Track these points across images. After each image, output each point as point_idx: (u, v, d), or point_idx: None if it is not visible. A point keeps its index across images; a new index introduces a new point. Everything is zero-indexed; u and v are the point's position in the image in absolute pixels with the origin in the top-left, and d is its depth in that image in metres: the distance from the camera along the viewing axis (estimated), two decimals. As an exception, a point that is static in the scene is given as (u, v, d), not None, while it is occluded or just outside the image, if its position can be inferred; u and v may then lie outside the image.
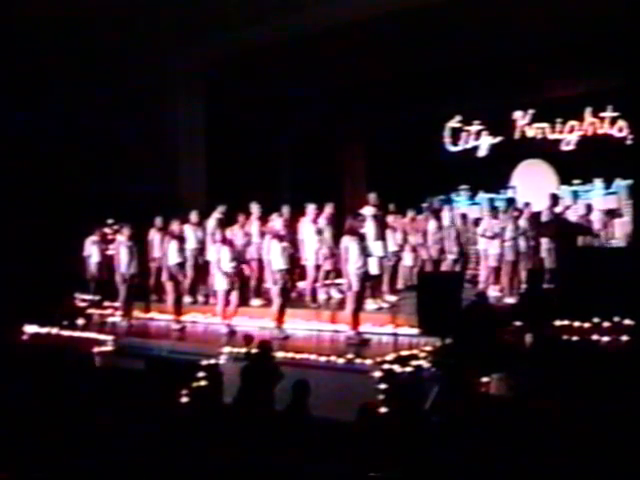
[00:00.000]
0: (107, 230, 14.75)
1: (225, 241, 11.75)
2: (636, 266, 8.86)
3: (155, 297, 13.68)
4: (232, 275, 11.57)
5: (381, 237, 11.83)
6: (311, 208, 12.29)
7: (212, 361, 10.01)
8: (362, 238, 10.51)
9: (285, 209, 12.52)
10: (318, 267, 12.35)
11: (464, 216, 14.84)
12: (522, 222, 12.91)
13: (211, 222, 12.92)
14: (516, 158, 19.13)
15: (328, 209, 12.58)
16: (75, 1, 14.67)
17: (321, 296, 12.42)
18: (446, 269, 13.31)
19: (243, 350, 9.37)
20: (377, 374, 8.77)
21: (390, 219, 13.00)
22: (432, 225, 13.53)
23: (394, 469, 6.53)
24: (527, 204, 13.55)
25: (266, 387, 8.14)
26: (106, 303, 13.99)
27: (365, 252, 10.41)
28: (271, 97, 17.56)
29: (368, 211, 11.90)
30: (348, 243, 10.29)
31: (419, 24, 13.86)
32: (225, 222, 12.80)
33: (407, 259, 13.43)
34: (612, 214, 14.34)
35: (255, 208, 12.85)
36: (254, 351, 8.82)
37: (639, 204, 8.91)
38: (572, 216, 13.90)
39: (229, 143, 17.23)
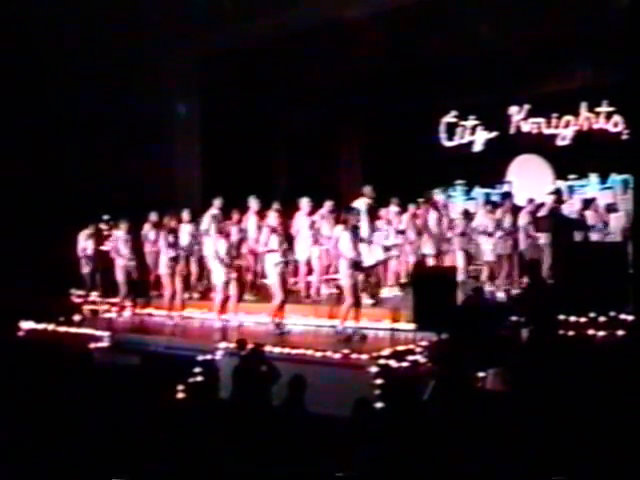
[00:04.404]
0: (102, 226, 14.72)
1: (221, 233, 11.74)
2: (636, 261, 8.86)
3: (155, 293, 13.65)
4: (230, 267, 11.56)
5: (373, 230, 11.86)
6: (305, 202, 12.29)
7: (208, 356, 10.02)
8: (355, 229, 10.50)
9: (276, 204, 12.51)
10: (307, 262, 12.38)
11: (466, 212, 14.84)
12: (521, 217, 12.93)
13: (207, 217, 12.90)
14: (512, 153, 19.11)
15: (327, 207, 12.56)
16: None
17: (323, 291, 12.44)
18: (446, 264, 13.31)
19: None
20: (373, 369, 8.78)
21: (392, 213, 13.04)
22: (432, 219, 13.52)
23: (389, 464, 6.54)
24: (531, 200, 13.59)
25: (260, 387, 8.14)
26: (102, 299, 13.98)
27: (358, 244, 10.41)
28: (267, 91, 17.52)
29: (361, 204, 11.90)
30: (340, 234, 10.30)
31: (415, 19, 13.87)
32: (221, 217, 12.79)
33: (407, 254, 13.39)
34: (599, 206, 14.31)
35: (253, 202, 12.81)
36: (244, 354, 8.82)
37: (639, 200, 8.90)
38: (568, 210, 13.90)
39: (224, 138, 17.20)
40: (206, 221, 12.84)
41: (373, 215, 12.09)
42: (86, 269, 14.03)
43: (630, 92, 8.95)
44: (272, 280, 11.06)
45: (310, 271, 12.55)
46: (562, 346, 8.90)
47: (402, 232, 13.15)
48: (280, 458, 6.83)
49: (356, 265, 10.29)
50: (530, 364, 8.48)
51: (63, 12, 14.72)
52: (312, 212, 12.44)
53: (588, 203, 14.10)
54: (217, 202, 13.02)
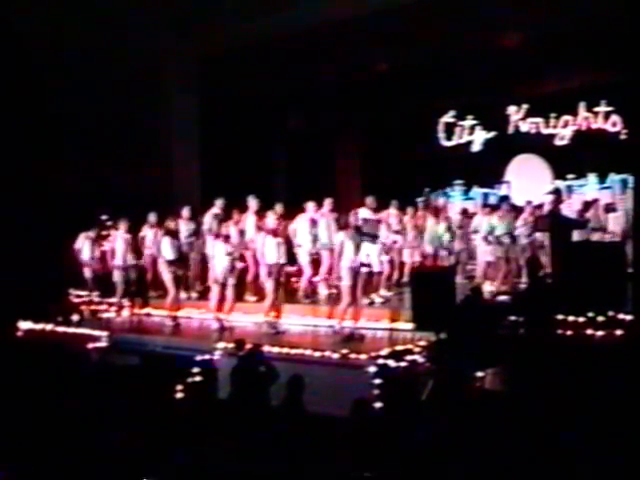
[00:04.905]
0: (102, 227, 14.68)
1: (220, 236, 11.72)
2: (635, 260, 8.87)
3: (154, 293, 13.62)
4: (228, 270, 11.55)
5: (375, 236, 11.86)
6: (310, 205, 12.28)
7: (207, 357, 10.02)
8: (358, 234, 10.51)
9: (279, 206, 12.50)
10: (310, 264, 12.37)
11: (465, 211, 14.90)
12: (520, 219, 12.96)
13: (208, 216, 12.85)
14: (510, 153, 19.16)
15: (327, 205, 12.55)
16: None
17: (321, 291, 12.44)
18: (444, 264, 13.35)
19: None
20: (372, 369, 8.78)
21: (391, 215, 13.05)
22: (430, 220, 13.56)
23: (389, 465, 6.54)
24: (529, 202, 13.63)
25: (259, 387, 8.13)
26: (101, 299, 13.96)
27: (360, 248, 10.41)
28: (267, 91, 17.52)
29: (363, 213, 11.91)
30: (344, 238, 10.31)
31: (414, 19, 13.87)
32: (223, 217, 12.76)
33: (406, 255, 13.39)
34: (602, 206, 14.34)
35: (253, 202, 12.76)
36: (242, 354, 8.82)
37: (638, 199, 8.91)
38: (567, 210, 13.92)
39: (223, 140, 17.20)
40: (208, 220, 12.78)
41: (374, 225, 12.07)
42: (86, 270, 13.99)
43: (629, 92, 8.96)
44: (266, 279, 11.05)
45: (309, 271, 12.54)
46: (558, 345, 8.91)
47: (398, 232, 13.15)
48: (279, 458, 6.83)
49: (356, 268, 10.29)
50: (528, 364, 8.48)
51: (63, 12, 14.73)
52: (316, 214, 12.39)
53: (589, 205, 14.12)
54: (219, 202, 12.95)
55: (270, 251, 11.00)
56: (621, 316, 9.20)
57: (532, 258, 12.77)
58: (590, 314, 9.31)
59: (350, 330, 10.24)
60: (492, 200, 17.80)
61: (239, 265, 12.14)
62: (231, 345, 9.69)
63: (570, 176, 17.73)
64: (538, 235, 12.93)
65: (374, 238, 11.63)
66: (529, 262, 12.53)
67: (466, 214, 14.60)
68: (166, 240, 12.27)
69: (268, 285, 11.04)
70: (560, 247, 11.09)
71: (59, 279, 14.10)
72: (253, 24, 14.78)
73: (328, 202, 12.57)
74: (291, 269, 12.81)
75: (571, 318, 9.38)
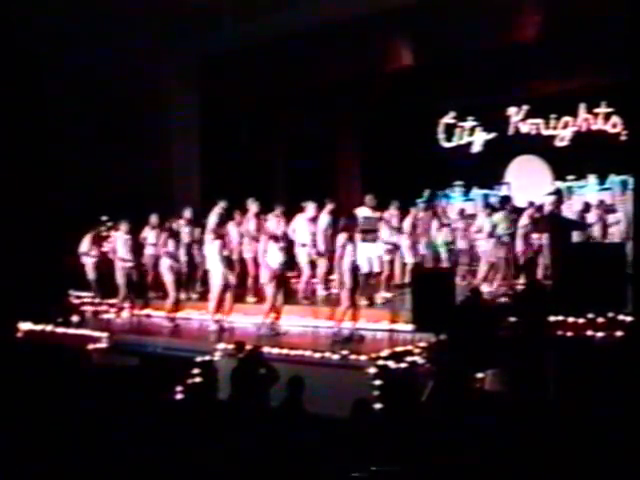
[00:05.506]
0: (102, 227, 14.69)
1: (221, 236, 11.71)
2: (635, 262, 8.86)
3: (154, 294, 13.61)
4: (228, 271, 11.54)
5: (373, 238, 11.88)
6: (310, 206, 12.26)
7: (207, 358, 10.02)
8: (356, 236, 10.51)
9: (279, 208, 12.48)
10: (310, 264, 12.36)
11: (462, 212, 14.92)
12: (522, 219, 12.98)
13: (212, 217, 12.82)
14: (510, 154, 19.18)
15: (328, 207, 12.53)
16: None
17: (320, 293, 12.43)
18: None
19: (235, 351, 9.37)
20: (372, 370, 8.78)
21: (392, 216, 13.06)
22: (433, 223, 13.59)
23: (388, 465, 6.54)
24: (531, 203, 13.64)
25: (259, 388, 8.14)
26: (101, 300, 13.96)
27: (358, 250, 10.41)
28: (266, 92, 17.52)
29: (362, 212, 11.90)
30: (344, 241, 10.29)
31: (414, 20, 13.87)
32: (225, 218, 12.75)
33: (407, 256, 13.37)
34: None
35: (253, 205, 12.75)
36: (242, 355, 8.82)
37: (638, 200, 8.91)
38: (567, 212, 13.93)
39: (223, 140, 17.20)
40: (212, 221, 12.73)
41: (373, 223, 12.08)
42: (90, 272, 13.96)
43: (629, 93, 8.95)
44: (267, 282, 11.04)
45: (308, 272, 12.53)
46: (558, 346, 8.91)
47: (398, 229, 13.15)
48: (279, 458, 6.83)
49: (355, 269, 10.28)
50: (528, 365, 8.48)
51: (63, 12, 14.73)
52: (316, 215, 12.37)
53: (589, 205, 14.12)
54: (222, 203, 12.90)
55: (273, 256, 10.97)
56: (621, 317, 9.21)
57: (531, 259, 12.78)
58: (590, 315, 9.32)
59: (350, 331, 10.24)
60: (493, 201, 17.80)
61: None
62: (231, 346, 9.69)
63: (570, 177, 17.74)
64: (538, 236, 12.93)
65: (374, 235, 11.65)
66: (528, 263, 12.53)
67: (463, 215, 14.59)
68: (170, 241, 12.29)
69: (268, 289, 11.01)
70: (560, 248, 11.10)
71: (59, 280, 14.09)
72: (253, 24, 14.79)
73: (329, 204, 12.57)
74: (291, 273, 12.82)
75: (571, 319, 9.39)
